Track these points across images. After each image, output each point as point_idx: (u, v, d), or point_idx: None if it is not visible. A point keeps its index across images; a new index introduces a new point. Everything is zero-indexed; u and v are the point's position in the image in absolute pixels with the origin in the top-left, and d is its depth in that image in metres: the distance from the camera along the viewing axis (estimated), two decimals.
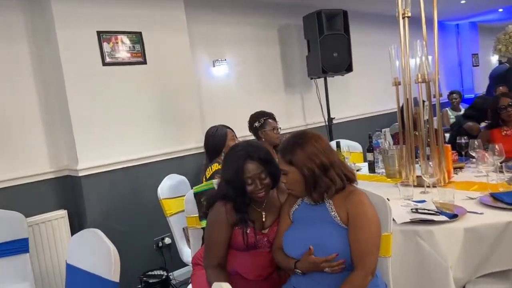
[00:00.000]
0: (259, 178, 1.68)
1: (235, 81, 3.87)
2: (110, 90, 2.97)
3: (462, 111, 5.62)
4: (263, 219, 1.75)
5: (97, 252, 1.52)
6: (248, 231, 1.70)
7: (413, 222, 1.78)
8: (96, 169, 2.89)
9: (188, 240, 2.52)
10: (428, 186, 2.24)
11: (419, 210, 1.87)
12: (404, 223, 1.78)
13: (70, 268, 1.65)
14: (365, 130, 4.86)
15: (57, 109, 2.91)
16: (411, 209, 1.90)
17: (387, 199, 1.67)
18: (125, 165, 3.02)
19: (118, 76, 3.01)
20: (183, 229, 2.63)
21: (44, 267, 2.75)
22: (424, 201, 2.02)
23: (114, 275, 1.44)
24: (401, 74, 2.45)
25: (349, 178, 1.59)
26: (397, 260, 1.72)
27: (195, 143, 3.38)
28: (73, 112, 2.81)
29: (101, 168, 2.91)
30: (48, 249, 2.78)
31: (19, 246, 2.30)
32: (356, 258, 1.46)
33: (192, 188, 2.35)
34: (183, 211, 2.66)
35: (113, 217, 2.97)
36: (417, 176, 2.42)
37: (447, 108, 5.41)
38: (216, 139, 2.60)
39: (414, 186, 2.28)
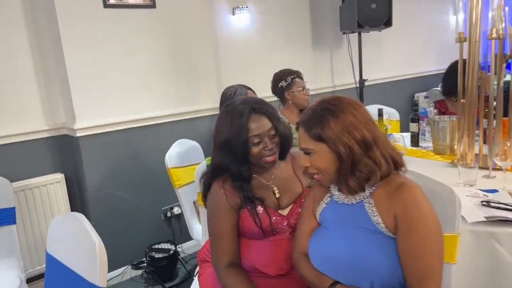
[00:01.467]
0: (269, 136, 1.32)
1: (257, 33, 3.38)
2: (112, 38, 2.54)
3: (507, 77, 5.06)
4: (276, 196, 1.40)
5: (80, 246, 1.17)
6: (260, 211, 1.35)
7: (490, 221, 1.38)
8: (96, 129, 2.52)
9: (199, 215, 2.18)
10: (494, 169, 1.82)
11: (492, 204, 1.47)
12: (477, 222, 1.38)
13: (50, 259, 1.32)
14: (400, 94, 4.40)
15: (52, 58, 2.51)
16: (481, 202, 1.49)
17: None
18: (128, 126, 2.65)
19: (121, 22, 2.57)
20: (194, 202, 2.29)
21: (38, 236, 2.47)
22: (495, 190, 1.60)
23: (100, 278, 1.10)
24: (467, 29, 1.96)
25: (396, 161, 1.16)
26: (463, 269, 1.34)
27: (210, 103, 2.97)
28: (69, 62, 2.40)
29: (101, 128, 2.54)
30: (43, 217, 2.49)
31: (4, 217, 1.99)
32: (414, 280, 1.06)
33: (205, 157, 2.00)
34: (194, 181, 2.33)
35: (116, 183, 2.64)
36: (476, 154, 2.00)
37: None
38: None
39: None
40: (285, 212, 1.40)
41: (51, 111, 2.57)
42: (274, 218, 1.36)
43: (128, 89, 2.63)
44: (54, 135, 2.59)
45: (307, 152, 1.17)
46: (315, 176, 1.19)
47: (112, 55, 2.55)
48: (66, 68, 2.39)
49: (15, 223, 2.03)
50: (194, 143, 2.52)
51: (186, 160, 2.36)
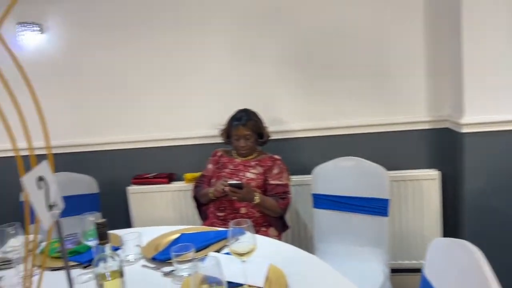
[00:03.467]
0: None
1: None
2: None
3: None
4: None
5: None
6: None
7: None
8: (486, 126, 2.10)
9: None
10: None
11: None
12: None
13: (425, 283, 1.12)
14: None
15: (446, 45, 2.27)
16: None
17: None
18: None
19: None
20: None
21: (405, 229, 2.38)
22: None
23: None
24: None
25: None
26: None
27: None
28: (467, 49, 2.07)
29: (494, 125, 2.09)
30: (412, 212, 2.37)
31: (378, 207, 1.98)
32: None
33: None
34: None
35: (501, 195, 2.15)
36: None
37: None
38: None
39: None
40: None
41: (435, 101, 2.37)
42: None
43: None
44: (434, 127, 2.40)
45: None
46: None
47: None
48: (462, 56, 2.09)
49: (387, 215, 1.99)
50: None
51: None
